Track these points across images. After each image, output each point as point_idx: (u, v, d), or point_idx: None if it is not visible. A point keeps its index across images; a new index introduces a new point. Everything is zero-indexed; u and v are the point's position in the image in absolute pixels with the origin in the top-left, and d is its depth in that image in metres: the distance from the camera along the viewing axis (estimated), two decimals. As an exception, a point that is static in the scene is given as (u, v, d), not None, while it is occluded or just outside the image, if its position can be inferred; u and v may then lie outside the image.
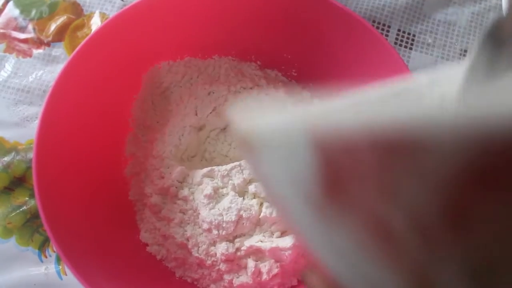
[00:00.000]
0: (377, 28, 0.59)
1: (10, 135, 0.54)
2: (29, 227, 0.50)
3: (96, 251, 0.42)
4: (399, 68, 0.42)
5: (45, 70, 0.57)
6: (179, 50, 0.50)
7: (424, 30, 0.59)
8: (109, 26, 0.46)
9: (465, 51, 0.58)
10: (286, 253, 0.42)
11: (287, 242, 0.42)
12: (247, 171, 0.44)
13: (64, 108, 0.43)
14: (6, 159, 0.53)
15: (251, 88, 0.50)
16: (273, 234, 0.43)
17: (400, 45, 0.58)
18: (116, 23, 0.46)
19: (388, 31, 0.59)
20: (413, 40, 0.58)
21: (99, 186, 0.46)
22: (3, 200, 0.52)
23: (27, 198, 0.51)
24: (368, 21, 0.59)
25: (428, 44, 0.58)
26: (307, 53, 0.49)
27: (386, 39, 0.44)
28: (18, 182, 0.52)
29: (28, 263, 0.49)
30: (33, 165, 0.40)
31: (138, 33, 0.47)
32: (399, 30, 0.59)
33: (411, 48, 0.58)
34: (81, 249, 0.40)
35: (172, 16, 0.47)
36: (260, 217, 0.43)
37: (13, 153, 0.54)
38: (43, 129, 0.41)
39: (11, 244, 0.50)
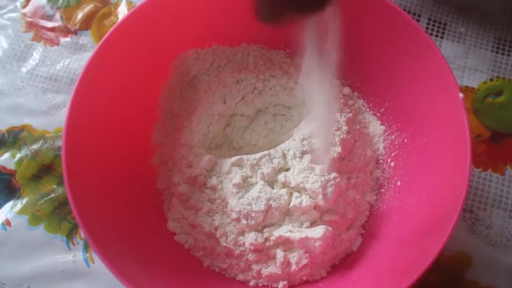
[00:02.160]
0: (408, 16, 0.57)
1: (38, 123, 0.55)
2: (57, 215, 0.51)
3: (124, 239, 0.42)
4: (435, 58, 0.41)
5: (72, 59, 0.58)
6: (207, 37, 0.50)
7: (456, 19, 0.57)
8: (136, 14, 0.45)
9: (500, 39, 0.56)
10: (316, 244, 0.41)
11: (317, 232, 0.41)
12: (276, 160, 0.44)
13: (92, 97, 0.43)
14: (34, 147, 0.53)
15: (281, 76, 0.49)
16: (303, 225, 0.43)
17: (431, 34, 0.57)
18: (143, 11, 0.46)
19: (418, 20, 0.57)
20: (444, 29, 0.57)
21: (126, 174, 0.45)
22: (32, 187, 0.52)
23: (55, 186, 0.52)
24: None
25: (461, 33, 0.57)
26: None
27: (422, 29, 0.42)
28: (46, 170, 0.52)
29: (56, 250, 0.49)
30: (62, 152, 0.39)
31: (164, 21, 0.47)
32: (429, 19, 0.57)
33: (442, 37, 0.57)
34: (109, 236, 0.40)
35: (200, 3, 0.47)
36: (289, 207, 0.43)
37: (41, 141, 0.54)
38: (72, 117, 0.41)
39: (39, 231, 0.50)
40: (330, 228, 0.42)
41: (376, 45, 0.46)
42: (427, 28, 0.57)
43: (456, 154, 0.38)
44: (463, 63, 0.55)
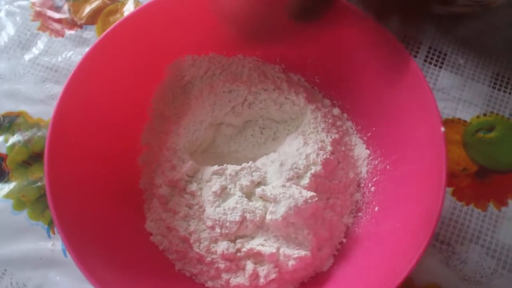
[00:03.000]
0: (408, 43, 0.58)
1: (35, 111, 0.56)
2: (42, 203, 0.52)
3: (100, 234, 0.42)
4: (422, 90, 0.41)
5: (75, 51, 0.59)
6: (205, 44, 0.51)
7: (457, 50, 0.57)
8: (138, 14, 0.47)
9: (498, 74, 0.56)
10: (289, 263, 0.42)
11: (294, 252, 0.42)
12: (256, 173, 0.44)
13: (84, 90, 0.44)
14: (28, 134, 0.55)
15: (272, 90, 0.50)
16: (278, 240, 0.43)
17: (430, 62, 0.57)
18: (146, 11, 0.47)
19: (419, 47, 0.58)
20: (443, 59, 0.57)
21: (111, 171, 0.46)
22: (20, 173, 0.53)
23: (43, 175, 0.53)
24: (399, 36, 0.58)
25: (460, 65, 0.57)
26: (332, 62, 0.49)
27: (415, 61, 0.42)
28: (36, 158, 0.54)
29: (37, 237, 0.50)
30: (47, 141, 0.40)
31: (166, 24, 0.48)
32: (430, 48, 0.58)
33: (441, 67, 0.57)
34: (82, 230, 0.40)
35: (200, 10, 0.47)
36: (266, 221, 0.43)
37: (35, 129, 0.55)
38: (61, 107, 0.42)
39: (22, 217, 0.51)
40: (309, 254, 0.42)
41: (369, 70, 0.46)
42: (426, 56, 0.57)
43: (432, 186, 0.39)
44: (458, 95, 0.55)
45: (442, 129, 0.39)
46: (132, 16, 0.46)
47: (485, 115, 0.54)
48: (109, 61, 0.46)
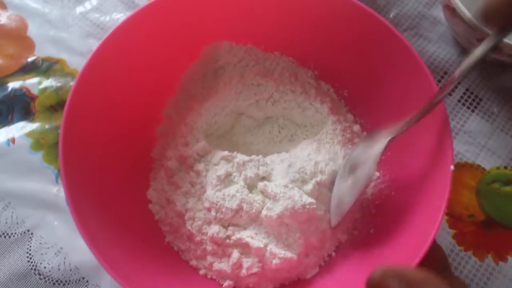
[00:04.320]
0: (446, 81, 0.57)
1: (73, 61, 0.58)
2: (58, 149, 0.53)
3: (100, 191, 0.43)
4: (442, 132, 0.41)
5: (124, 14, 0.61)
6: (245, 35, 0.51)
7: (493, 97, 0.57)
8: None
9: (528, 131, 0.55)
10: (274, 261, 0.42)
11: (281, 251, 0.42)
12: (262, 167, 0.45)
13: (119, 49, 0.45)
14: (62, 81, 0.57)
15: (299, 93, 0.50)
16: (268, 236, 0.44)
17: (464, 104, 0.56)
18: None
19: (456, 87, 0.57)
20: (478, 103, 0.57)
21: (127, 134, 0.48)
22: (45, 116, 0.55)
23: (65, 122, 0.55)
24: (439, 72, 0.58)
25: (492, 113, 0.56)
26: (363, 80, 0.49)
27: (444, 102, 0.42)
28: (63, 105, 0.55)
29: (46, 180, 0.52)
30: (71, 91, 0.42)
31: (212, 5, 0.49)
32: (467, 90, 0.57)
33: (473, 111, 0.56)
34: (85, 184, 0.42)
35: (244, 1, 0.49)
36: (261, 216, 0.44)
37: (69, 78, 0.57)
38: (93, 62, 0.43)
39: (37, 157, 0.53)
40: (295, 258, 0.42)
41: (395, 96, 0.47)
42: (461, 97, 0.57)
43: (426, 224, 0.39)
44: (484, 142, 0.55)
45: (452, 167, 0.39)
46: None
47: (505, 167, 0.54)
48: (148, 29, 0.47)
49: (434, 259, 0.41)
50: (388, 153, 0.47)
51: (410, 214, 0.42)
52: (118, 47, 0.45)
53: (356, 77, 0.49)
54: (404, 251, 0.40)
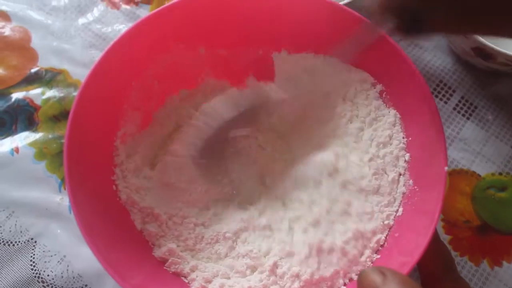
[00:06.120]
0: (441, 89, 0.59)
1: (75, 72, 0.59)
2: (61, 158, 0.54)
3: (104, 201, 0.44)
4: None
5: (126, 26, 0.62)
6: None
7: (488, 105, 0.58)
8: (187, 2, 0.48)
9: (524, 139, 0.56)
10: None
11: None
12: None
13: (121, 60, 0.46)
14: (64, 91, 0.58)
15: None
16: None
17: (459, 112, 0.58)
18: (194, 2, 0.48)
19: (451, 95, 0.58)
20: (473, 111, 0.58)
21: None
22: (49, 126, 0.56)
23: (68, 132, 0.56)
24: (435, 80, 0.59)
25: (487, 120, 0.57)
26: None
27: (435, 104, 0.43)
28: (66, 116, 0.56)
29: (49, 188, 0.53)
30: (74, 102, 0.43)
31: (211, 16, 0.49)
32: (462, 98, 0.58)
33: (468, 118, 0.57)
34: (89, 194, 0.42)
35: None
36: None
37: (71, 89, 0.58)
38: (96, 72, 0.44)
39: (41, 167, 0.54)
40: None
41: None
42: (456, 105, 0.58)
43: (424, 223, 0.39)
44: (478, 149, 0.56)
45: (446, 168, 0.40)
46: (180, 3, 0.47)
47: (500, 174, 0.55)
48: (149, 40, 0.47)
49: (440, 260, 0.42)
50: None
51: (404, 220, 0.43)
52: (120, 58, 0.46)
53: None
54: (397, 259, 0.40)
